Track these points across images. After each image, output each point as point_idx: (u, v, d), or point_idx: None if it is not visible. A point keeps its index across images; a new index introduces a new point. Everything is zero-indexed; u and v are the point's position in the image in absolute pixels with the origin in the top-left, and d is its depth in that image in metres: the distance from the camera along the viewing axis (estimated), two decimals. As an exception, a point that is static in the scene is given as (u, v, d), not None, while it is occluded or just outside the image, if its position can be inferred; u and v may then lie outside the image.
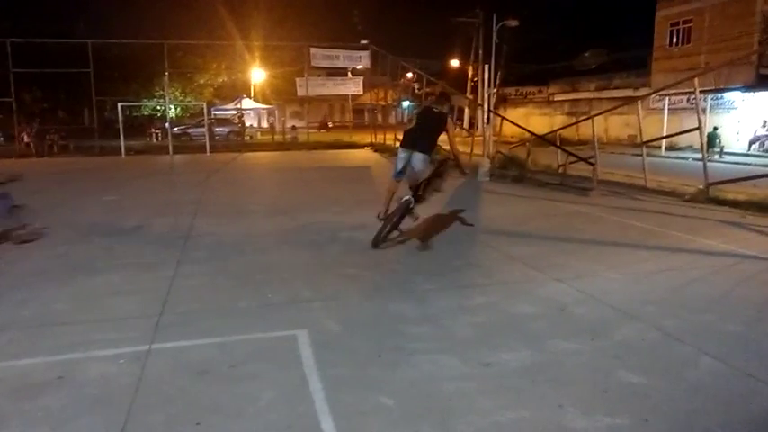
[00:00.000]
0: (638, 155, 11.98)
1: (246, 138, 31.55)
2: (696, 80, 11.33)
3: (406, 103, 36.28)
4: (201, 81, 37.64)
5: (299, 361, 3.58)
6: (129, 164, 19.27)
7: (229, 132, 31.11)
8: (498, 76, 33.82)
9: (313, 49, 26.72)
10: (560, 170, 13.57)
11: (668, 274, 5.55)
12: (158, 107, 34.40)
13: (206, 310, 4.57)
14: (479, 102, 17.84)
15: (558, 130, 17.69)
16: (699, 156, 10.96)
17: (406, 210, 6.62)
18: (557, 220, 8.47)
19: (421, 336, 4.00)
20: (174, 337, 3.96)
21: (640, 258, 6.15)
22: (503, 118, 21.51)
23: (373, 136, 27.20)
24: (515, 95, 45.04)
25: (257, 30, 37.11)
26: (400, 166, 6.87)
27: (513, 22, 32.71)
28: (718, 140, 23.12)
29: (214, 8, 35.35)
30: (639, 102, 14.72)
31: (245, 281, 5.35)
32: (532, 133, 15.93)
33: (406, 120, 21.96)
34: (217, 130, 29.88)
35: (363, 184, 13.14)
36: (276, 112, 40.03)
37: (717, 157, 21.12)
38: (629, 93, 30.08)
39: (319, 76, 29.38)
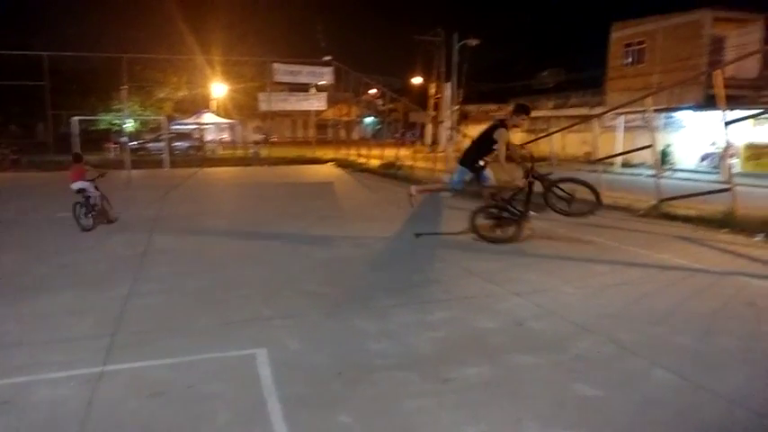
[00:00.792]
0: (594, 171, 12.31)
1: (207, 152, 31.12)
2: (650, 99, 11.73)
3: (368, 119, 36.48)
4: (161, 95, 37.01)
5: (257, 380, 3.52)
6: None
7: (189, 147, 30.64)
8: (460, 94, 34.36)
9: (276, 65, 26.66)
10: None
11: (623, 288, 5.67)
12: (116, 121, 33.67)
13: (162, 329, 4.45)
14: (440, 119, 18.07)
15: (518, 146, 17.96)
16: (652, 172, 11.33)
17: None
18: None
19: (382, 352, 3.99)
20: (128, 359, 3.85)
21: (596, 273, 6.28)
22: (464, 135, 21.84)
23: (336, 151, 27.24)
24: (477, 113, 45.77)
25: (218, 45, 36.80)
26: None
27: (474, 42, 33.35)
28: (669, 157, 23.95)
29: (174, 23, 34.96)
30: (596, 120, 15.12)
31: (204, 299, 5.25)
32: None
33: (369, 135, 22.07)
34: (176, 144, 29.40)
35: (326, 200, 13.10)
36: (238, 127, 39.61)
37: (669, 173, 21.85)
38: (585, 111, 30.82)
39: (282, 91, 29.24)
